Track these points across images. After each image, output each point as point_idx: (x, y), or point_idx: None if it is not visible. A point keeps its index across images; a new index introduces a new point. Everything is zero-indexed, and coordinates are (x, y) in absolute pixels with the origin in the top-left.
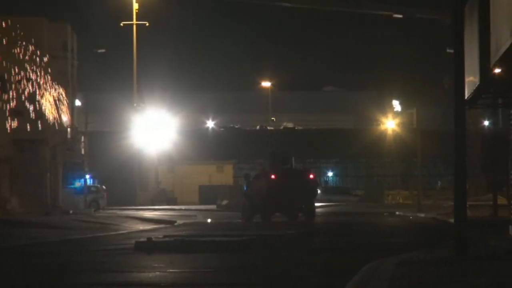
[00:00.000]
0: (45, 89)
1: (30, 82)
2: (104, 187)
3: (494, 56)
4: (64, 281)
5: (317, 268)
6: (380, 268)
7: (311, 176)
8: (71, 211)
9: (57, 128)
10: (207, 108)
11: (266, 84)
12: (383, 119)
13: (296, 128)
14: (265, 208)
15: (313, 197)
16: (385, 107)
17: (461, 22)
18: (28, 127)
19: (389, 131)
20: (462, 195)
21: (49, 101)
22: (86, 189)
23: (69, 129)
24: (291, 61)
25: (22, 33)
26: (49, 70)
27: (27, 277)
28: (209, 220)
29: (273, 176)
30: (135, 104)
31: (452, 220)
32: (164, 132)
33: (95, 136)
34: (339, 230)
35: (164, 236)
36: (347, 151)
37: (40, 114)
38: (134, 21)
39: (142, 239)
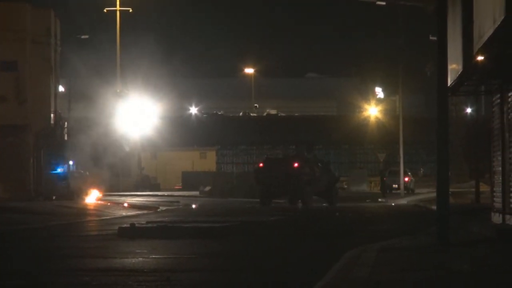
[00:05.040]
0: (28, 75)
1: (13, 68)
2: (87, 173)
3: (477, 43)
4: (46, 267)
5: (298, 255)
6: (362, 255)
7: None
8: (54, 197)
9: (40, 114)
10: (190, 94)
11: (249, 70)
12: (366, 106)
13: (279, 114)
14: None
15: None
16: (367, 94)
17: (444, 9)
18: (11, 112)
19: (372, 118)
20: (445, 182)
21: (32, 87)
22: (69, 174)
23: (52, 115)
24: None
25: (4, 19)
26: (32, 55)
27: (8, 263)
28: (193, 206)
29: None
30: (118, 90)
31: (434, 207)
32: (147, 118)
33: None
34: (322, 216)
35: (147, 222)
36: (329, 137)
37: (23, 99)
38: (118, 7)
39: (125, 225)
